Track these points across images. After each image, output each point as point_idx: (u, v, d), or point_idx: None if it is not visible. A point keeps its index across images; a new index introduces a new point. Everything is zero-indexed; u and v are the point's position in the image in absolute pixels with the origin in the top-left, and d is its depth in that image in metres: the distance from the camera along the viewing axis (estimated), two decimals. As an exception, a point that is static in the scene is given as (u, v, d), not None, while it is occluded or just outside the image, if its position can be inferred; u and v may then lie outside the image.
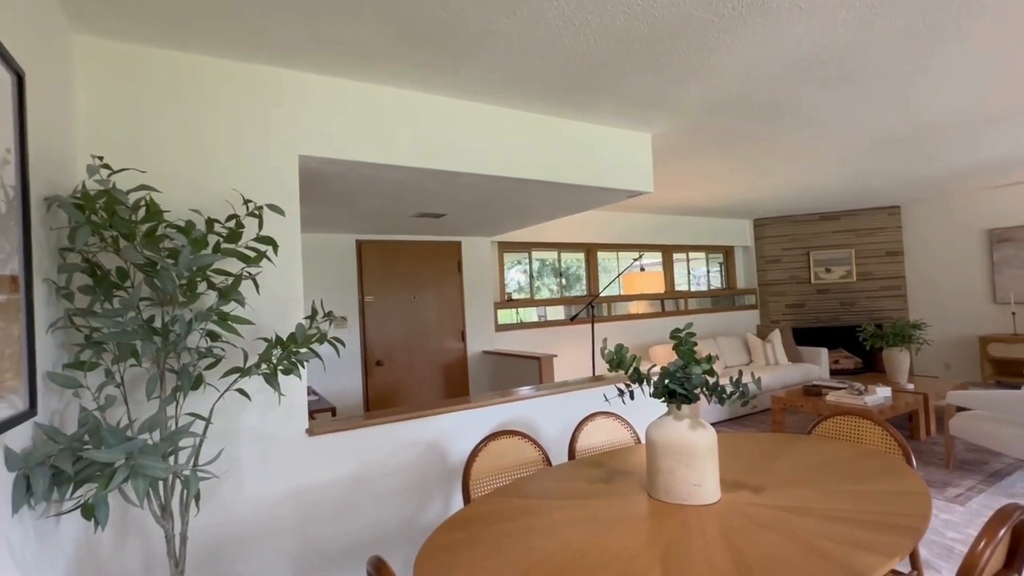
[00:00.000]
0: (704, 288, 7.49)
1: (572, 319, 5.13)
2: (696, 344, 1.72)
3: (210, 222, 1.78)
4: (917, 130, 3.64)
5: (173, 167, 2.02)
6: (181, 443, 1.90)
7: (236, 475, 2.05)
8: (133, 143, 1.97)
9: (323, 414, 3.57)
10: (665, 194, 5.41)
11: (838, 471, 1.77)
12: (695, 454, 1.57)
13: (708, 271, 7.58)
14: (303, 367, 1.92)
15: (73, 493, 1.36)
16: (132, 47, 2.00)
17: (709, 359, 1.65)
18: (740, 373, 1.66)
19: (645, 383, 1.73)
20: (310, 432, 2.20)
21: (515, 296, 5.91)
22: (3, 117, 1.25)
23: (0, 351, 1.18)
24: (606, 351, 1.73)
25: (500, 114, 2.84)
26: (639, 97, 2.79)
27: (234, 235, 1.78)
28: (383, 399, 4.91)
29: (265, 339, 1.84)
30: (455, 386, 5.31)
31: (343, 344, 2.01)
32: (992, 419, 3.39)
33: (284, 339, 1.82)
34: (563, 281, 6.28)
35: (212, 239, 2.01)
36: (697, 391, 1.65)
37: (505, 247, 5.80)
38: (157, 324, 1.86)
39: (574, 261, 6.40)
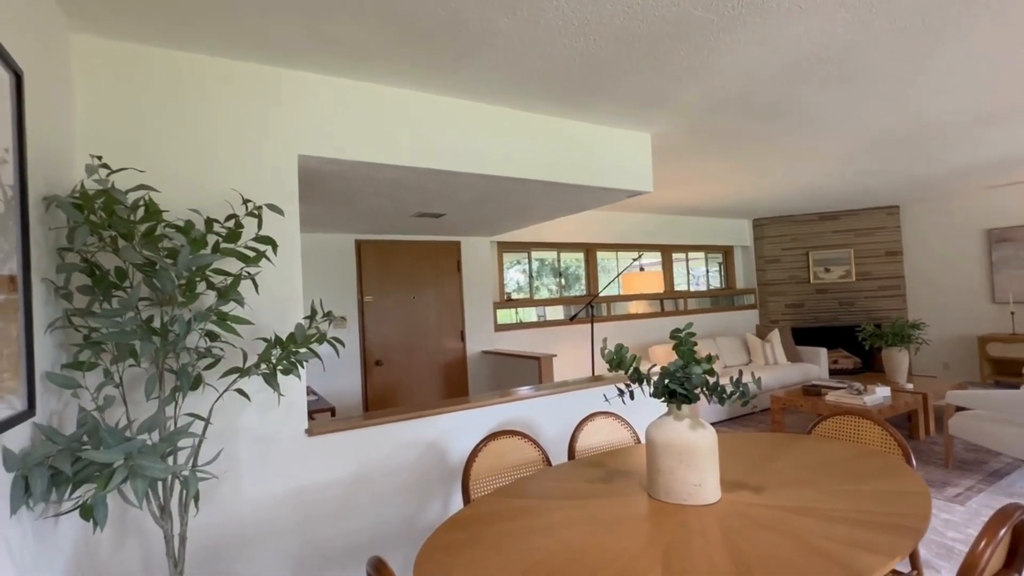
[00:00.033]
0: (703, 288, 7.49)
1: (571, 319, 5.13)
2: (696, 344, 1.72)
3: (209, 222, 1.77)
4: (917, 130, 3.64)
5: (172, 167, 2.02)
6: (180, 443, 1.90)
7: (235, 475, 2.05)
8: (132, 143, 1.96)
9: (322, 414, 3.57)
10: (664, 194, 5.41)
11: (838, 471, 1.77)
12: (695, 454, 1.57)
13: (707, 271, 7.58)
14: (302, 367, 1.92)
15: (72, 494, 1.36)
16: (131, 46, 1.99)
17: (709, 359, 1.64)
18: (740, 373, 1.66)
19: (645, 383, 1.73)
20: (309, 432, 2.20)
21: (514, 296, 5.90)
22: (1, 116, 1.24)
23: (-2, 351, 1.18)
24: (606, 351, 1.73)
25: (500, 114, 2.84)
26: (639, 97, 2.79)
27: (233, 235, 1.77)
28: (382, 399, 4.90)
29: (264, 339, 1.84)
30: (454, 386, 5.31)
31: (342, 344, 2.01)
32: (991, 419, 3.39)
33: (283, 339, 1.81)
34: (562, 281, 6.28)
35: (211, 239, 2.00)
36: (697, 391, 1.65)
37: (504, 247, 5.80)
38: (156, 324, 1.86)
39: (573, 261, 6.40)
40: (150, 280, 1.60)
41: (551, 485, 1.81)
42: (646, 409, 3.27)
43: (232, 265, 2.05)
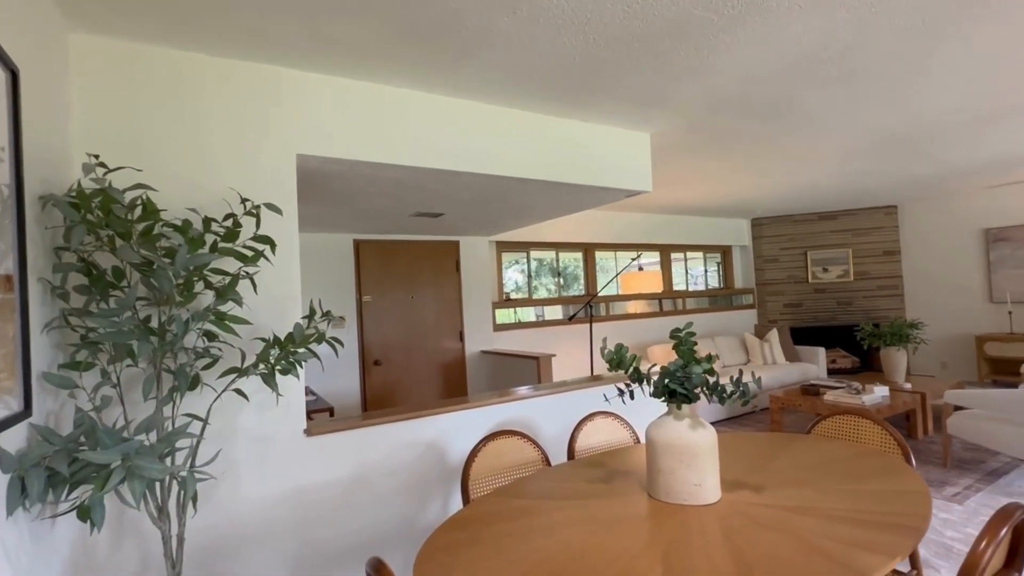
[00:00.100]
0: (702, 288, 7.50)
1: (570, 319, 5.13)
2: (696, 344, 1.72)
3: (207, 221, 1.76)
4: (916, 130, 3.64)
5: (170, 166, 2.01)
6: (178, 444, 1.89)
7: (233, 476, 2.04)
8: (130, 142, 1.95)
9: (321, 414, 3.56)
10: (663, 193, 5.41)
11: (838, 470, 1.77)
12: (696, 454, 1.56)
13: (706, 271, 7.58)
14: (301, 367, 1.91)
15: (69, 495, 1.35)
16: (130, 45, 1.98)
17: (709, 358, 1.64)
18: (740, 372, 1.65)
19: (645, 383, 1.73)
20: (308, 432, 2.19)
21: (513, 296, 5.90)
22: (-3, 114, 1.24)
23: (-6, 351, 1.17)
24: (606, 351, 1.72)
25: (499, 113, 2.83)
26: (638, 96, 2.78)
27: (231, 234, 1.76)
28: (381, 399, 4.90)
29: (263, 339, 1.83)
30: (453, 386, 5.30)
31: (341, 344, 2.00)
32: (989, 418, 3.40)
33: (282, 339, 1.81)
34: (561, 281, 6.28)
35: (209, 238, 1.99)
36: (697, 391, 1.65)
37: (503, 247, 5.79)
38: (154, 324, 1.85)
39: (572, 261, 6.40)
40: (148, 280, 1.59)
41: (551, 485, 1.81)
42: (646, 409, 3.26)
43: (230, 265, 2.05)
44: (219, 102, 2.12)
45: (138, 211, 1.78)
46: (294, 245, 2.22)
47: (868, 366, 7.09)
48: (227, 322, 1.71)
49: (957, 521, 2.90)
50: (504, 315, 5.74)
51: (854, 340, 7.04)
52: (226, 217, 1.83)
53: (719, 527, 1.41)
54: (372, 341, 4.86)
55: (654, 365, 5.59)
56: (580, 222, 6.14)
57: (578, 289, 6.39)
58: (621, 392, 1.77)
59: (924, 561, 2.53)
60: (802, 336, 7.26)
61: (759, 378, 1.73)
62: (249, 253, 2.03)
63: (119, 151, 1.93)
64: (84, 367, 1.52)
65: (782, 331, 6.34)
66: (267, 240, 1.84)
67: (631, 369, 1.71)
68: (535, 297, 6.01)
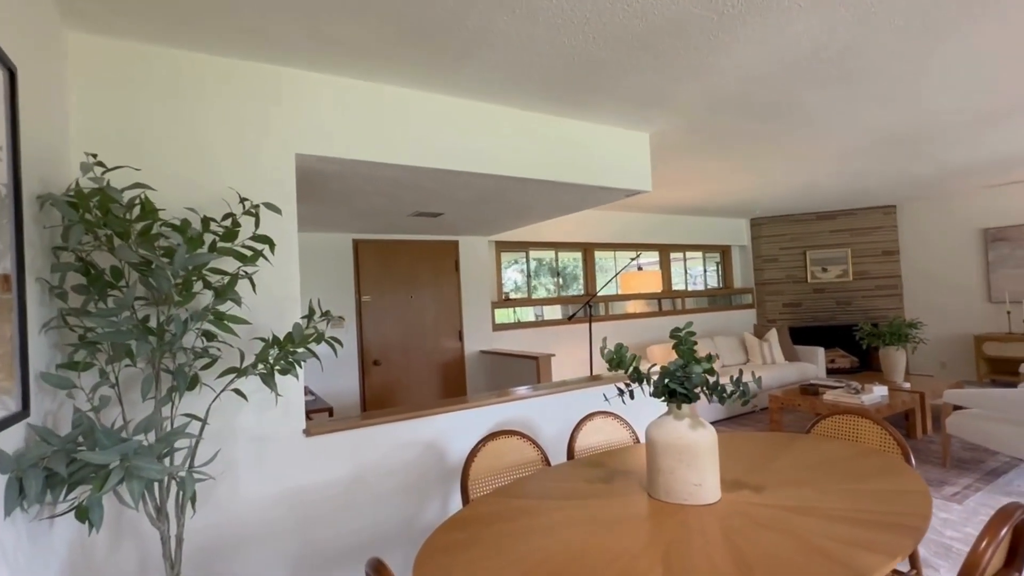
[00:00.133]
0: (701, 287, 7.50)
1: (570, 318, 5.12)
2: (696, 343, 1.71)
3: (206, 221, 1.76)
4: (916, 130, 3.64)
5: (169, 165, 2.00)
6: (177, 444, 1.89)
7: (232, 476, 2.03)
8: (129, 141, 1.95)
9: (320, 414, 3.55)
10: (663, 193, 5.41)
11: (838, 470, 1.76)
12: (696, 454, 1.56)
13: (705, 270, 7.58)
14: (300, 367, 1.91)
15: (67, 495, 1.35)
16: (129, 44, 1.98)
17: (709, 358, 1.64)
18: (740, 372, 1.65)
19: (645, 382, 1.72)
20: (307, 432, 2.18)
21: (512, 296, 5.90)
22: (-5, 113, 1.23)
23: (-8, 351, 1.16)
24: (606, 351, 1.72)
25: (499, 113, 2.83)
26: (638, 96, 2.78)
27: (230, 234, 1.76)
28: (380, 399, 4.89)
29: (262, 339, 1.83)
30: (453, 386, 5.30)
31: (340, 344, 1.99)
32: (988, 417, 3.40)
33: (281, 339, 1.80)
34: (560, 280, 6.28)
35: (208, 238, 1.99)
36: (697, 390, 1.65)
37: (502, 246, 5.79)
38: (152, 324, 1.84)
39: (571, 260, 6.40)
40: (146, 279, 1.58)
41: (550, 485, 1.81)
42: (646, 409, 3.26)
43: (229, 264, 2.04)
44: (219, 102, 2.11)
45: (136, 210, 1.77)
46: (293, 245, 2.22)
47: (867, 366, 7.09)
48: (226, 322, 1.71)
49: (956, 521, 2.90)
50: (503, 315, 5.74)
51: (853, 340, 7.05)
52: (225, 217, 1.82)
53: (719, 527, 1.40)
54: (371, 341, 4.85)
55: (654, 365, 5.59)
56: (579, 222, 6.14)
57: (577, 289, 6.39)
58: (621, 392, 1.77)
59: (924, 561, 2.53)
60: (801, 336, 7.27)
61: (759, 378, 1.73)
62: (248, 253, 2.02)
63: (118, 150, 1.93)
64: (82, 367, 1.51)
65: (781, 331, 6.34)
66: (266, 240, 1.83)
67: (631, 369, 1.71)
68: (534, 297, 6.01)
